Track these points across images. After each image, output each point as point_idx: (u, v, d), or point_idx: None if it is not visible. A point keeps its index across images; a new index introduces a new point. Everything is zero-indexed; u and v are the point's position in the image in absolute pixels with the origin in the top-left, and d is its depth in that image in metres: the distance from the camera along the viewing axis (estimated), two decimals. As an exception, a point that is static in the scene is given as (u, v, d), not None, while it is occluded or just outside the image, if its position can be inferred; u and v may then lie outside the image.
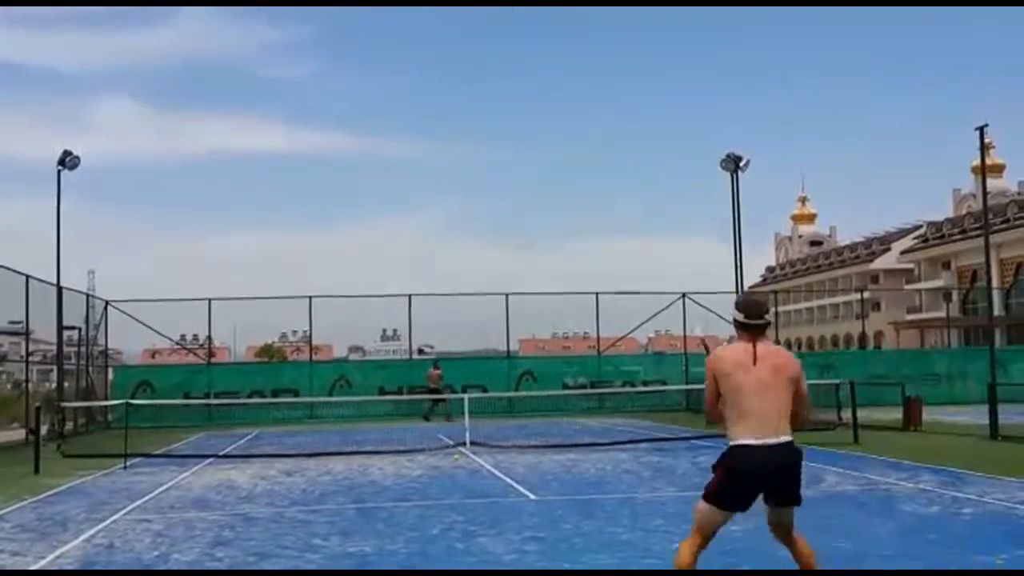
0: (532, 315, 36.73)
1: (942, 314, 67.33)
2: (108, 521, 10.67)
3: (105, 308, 31.19)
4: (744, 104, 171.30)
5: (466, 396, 21.70)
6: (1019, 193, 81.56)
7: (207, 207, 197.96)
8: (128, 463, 17.03)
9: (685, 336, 35.31)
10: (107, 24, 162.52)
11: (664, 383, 33.43)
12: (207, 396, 30.32)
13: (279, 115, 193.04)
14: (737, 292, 32.47)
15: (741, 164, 31.40)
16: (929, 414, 22.99)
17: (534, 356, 48.31)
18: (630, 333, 37.34)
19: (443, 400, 28.40)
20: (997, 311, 67.89)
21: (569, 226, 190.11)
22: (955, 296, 77.16)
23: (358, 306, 34.16)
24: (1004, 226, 73.13)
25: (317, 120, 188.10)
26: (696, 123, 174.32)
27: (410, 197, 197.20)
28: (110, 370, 32.60)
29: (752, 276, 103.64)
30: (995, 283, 68.23)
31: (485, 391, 30.05)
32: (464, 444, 18.82)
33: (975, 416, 22.25)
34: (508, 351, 34.98)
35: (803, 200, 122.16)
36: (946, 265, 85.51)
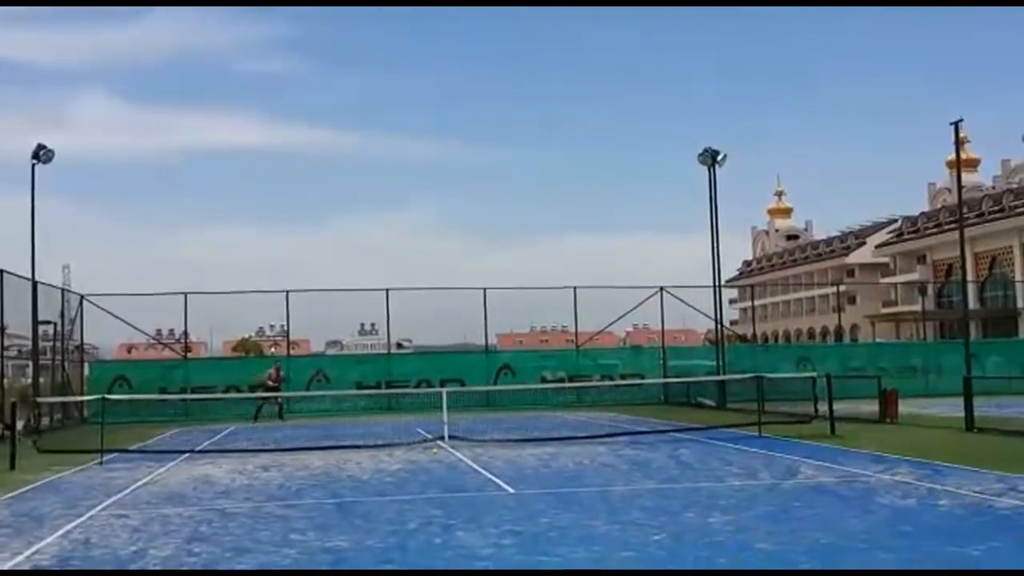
0: (510, 309, 36.76)
1: (917, 307, 67.88)
2: (84, 517, 10.59)
3: (80, 303, 30.96)
4: (721, 98, 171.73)
5: (444, 390, 21.64)
6: (993, 187, 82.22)
7: (184, 202, 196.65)
8: (104, 459, 16.89)
9: (663, 330, 35.41)
10: (83, 20, 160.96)
11: (642, 377, 33.58)
12: (183, 391, 30.18)
13: (257, 111, 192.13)
14: (714, 286, 32.65)
15: (718, 158, 31.53)
16: (905, 407, 23.14)
17: (512, 350, 48.30)
18: (608, 327, 37.45)
19: (276, 399, 28.32)
20: (972, 305, 68.46)
21: (548, 222, 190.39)
22: (930, 290, 77.76)
23: (335, 300, 34.12)
24: (978, 220, 73.72)
25: (295, 116, 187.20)
26: (675, 118, 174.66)
27: (389, 193, 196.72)
28: (86, 365, 32.38)
29: (729, 270, 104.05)
30: (970, 277, 68.75)
31: (463, 385, 30.06)
32: (443, 438, 18.79)
33: (951, 408, 22.41)
34: (486, 345, 34.98)
35: (779, 194, 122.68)
36: (921, 259, 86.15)
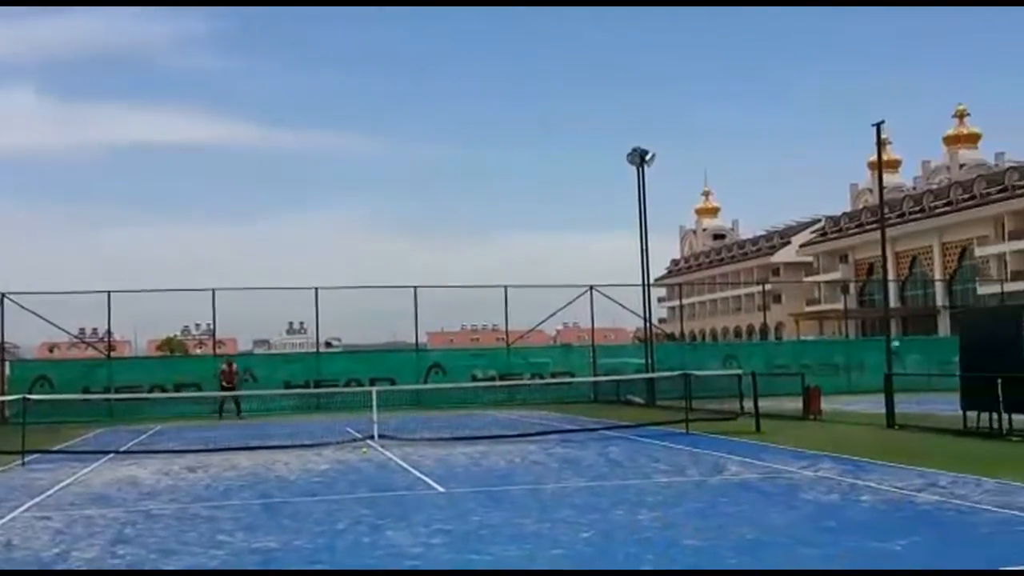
0: (441, 308, 36.81)
1: (840, 306, 69.36)
2: (6, 519, 10.36)
3: (1, 301, 30.15)
4: (651, 98, 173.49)
5: (374, 389, 21.52)
6: (914, 188, 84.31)
7: (108, 199, 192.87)
8: (26, 460, 16.49)
9: (593, 328, 35.64)
10: (7, 16, 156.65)
11: (572, 375, 33.75)
12: (107, 391, 29.57)
13: (185, 107, 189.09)
14: (643, 284, 32.97)
15: (647, 158, 31.83)
16: (828, 403, 23.64)
17: (443, 349, 48.21)
18: (538, 326, 37.59)
19: (235, 397, 28.32)
20: (893, 303, 70.10)
21: (479, 221, 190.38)
22: (852, 288, 79.53)
23: (264, 299, 33.80)
24: (899, 220, 75.55)
25: (223, 113, 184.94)
26: (604, 117, 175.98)
27: (319, 192, 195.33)
28: (6, 364, 31.52)
29: (658, 269, 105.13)
30: (891, 276, 70.38)
31: (393, 384, 29.90)
32: (372, 437, 18.68)
33: (872, 405, 22.93)
34: (417, 344, 34.86)
35: (707, 194, 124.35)
36: (843, 258, 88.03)
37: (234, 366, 29.25)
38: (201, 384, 30.82)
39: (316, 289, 32.35)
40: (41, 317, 30.18)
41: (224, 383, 28.49)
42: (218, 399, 28.42)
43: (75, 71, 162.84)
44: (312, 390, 30.86)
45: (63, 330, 32.39)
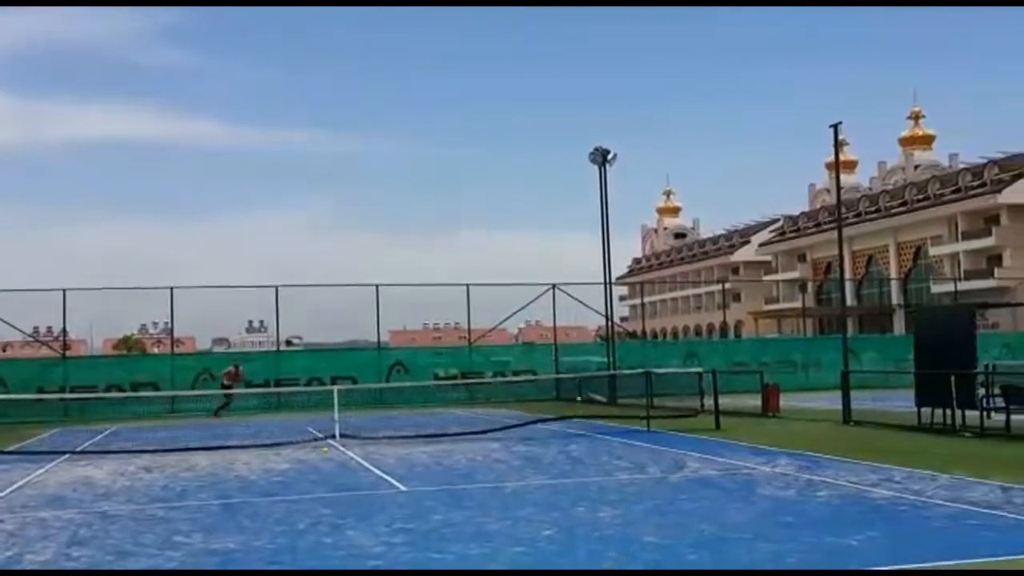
0: (402, 306, 36.68)
1: (798, 304, 69.95)
2: (-45, 523, 10.15)
3: (-49, 299, 29.63)
4: (613, 96, 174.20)
5: (335, 388, 21.42)
6: (870, 188, 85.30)
7: (62, 195, 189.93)
8: (-24, 462, 16.24)
9: (555, 326, 35.72)
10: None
11: (534, 373, 33.76)
12: (62, 391, 29.15)
13: (148, 103, 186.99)
14: (605, 283, 33.08)
15: (609, 157, 31.99)
16: (786, 400, 23.88)
17: (405, 347, 48.02)
18: (500, 324, 37.58)
19: (230, 395, 28.24)
20: (849, 301, 70.92)
21: (441, 219, 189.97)
22: (810, 287, 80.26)
23: (223, 298, 33.40)
24: (856, 220, 76.38)
25: (181, 109, 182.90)
26: (567, 116, 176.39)
27: (280, 189, 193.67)
28: (-43, 364, 31.02)
29: (620, 268, 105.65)
30: (848, 275, 71.21)
31: (355, 383, 29.76)
32: (334, 436, 18.60)
33: (829, 402, 23.20)
34: (379, 342, 34.72)
35: (668, 193, 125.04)
36: (802, 257, 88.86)
37: (240, 369, 29.01)
38: (158, 383, 30.50)
39: (276, 287, 32.15)
40: (-7, 315, 29.72)
41: (226, 382, 28.33)
42: (221, 398, 28.23)
43: (23, 65, 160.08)
44: (273, 389, 30.63)
45: (17, 329, 31.92)
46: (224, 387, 28.21)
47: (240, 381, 28.82)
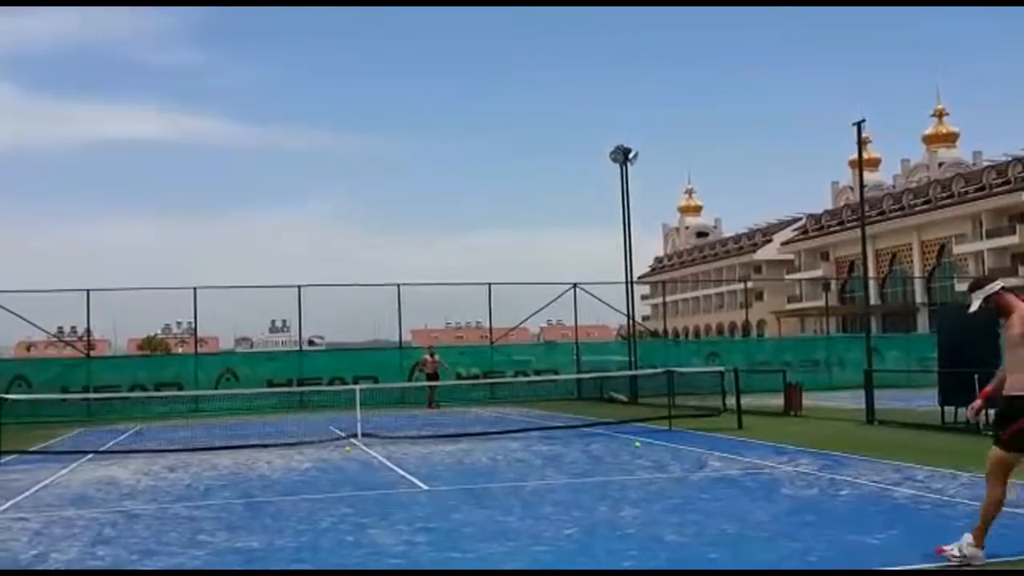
0: (424, 306, 36.68)
1: (821, 303, 69.68)
2: (-19, 521, 10.26)
3: (-25, 300, 29.89)
4: (634, 97, 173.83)
5: (358, 387, 21.47)
6: (893, 186, 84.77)
7: (87, 195, 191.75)
8: (3, 460, 16.40)
9: (576, 326, 35.68)
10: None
11: (556, 372, 33.74)
12: (86, 391, 29.37)
13: (166, 103, 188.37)
14: (627, 282, 33.01)
15: (630, 156, 31.94)
16: (809, 399, 23.76)
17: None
18: (522, 323, 37.59)
19: (435, 385, 29.46)
20: (873, 300, 70.55)
21: (463, 218, 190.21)
22: (833, 286, 79.91)
23: (246, 297, 33.53)
24: (880, 218, 76.00)
25: (207, 108, 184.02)
26: (590, 115, 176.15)
27: (303, 188, 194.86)
28: (-18, 364, 31.31)
29: (641, 266, 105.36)
30: (871, 273, 70.85)
31: (377, 382, 29.84)
32: (355, 436, 18.65)
33: (852, 401, 23.06)
34: (400, 342, 34.81)
35: (689, 192, 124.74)
36: (825, 256, 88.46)
37: (436, 356, 30.86)
38: (182, 383, 30.71)
39: (299, 287, 32.27)
40: (18, 316, 29.92)
41: (428, 371, 30.34)
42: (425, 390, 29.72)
43: (43, 65, 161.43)
44: (295, 388, 30.76)
45: (41, 329, 32.21)
46: (428, 377, 29.82)
47: (439, 367, 30.51)
